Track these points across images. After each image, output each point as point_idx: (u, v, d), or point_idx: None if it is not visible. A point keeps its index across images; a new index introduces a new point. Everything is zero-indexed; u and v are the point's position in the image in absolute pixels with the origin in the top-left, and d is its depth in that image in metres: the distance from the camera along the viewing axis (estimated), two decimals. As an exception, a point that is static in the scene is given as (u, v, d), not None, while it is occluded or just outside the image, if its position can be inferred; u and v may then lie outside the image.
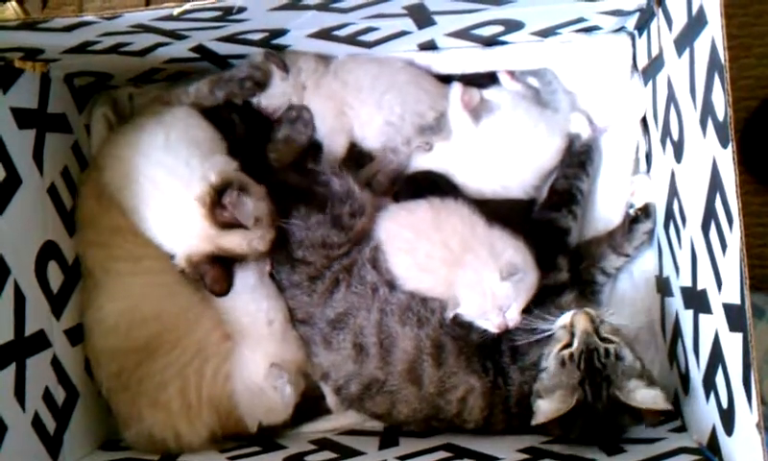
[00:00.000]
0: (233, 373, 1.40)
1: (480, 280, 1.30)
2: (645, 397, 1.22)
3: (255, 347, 1.40)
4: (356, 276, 1.39)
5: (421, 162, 1.53)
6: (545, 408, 1.23)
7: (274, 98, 1.50)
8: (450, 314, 1.32)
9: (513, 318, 1.30)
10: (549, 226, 1.44)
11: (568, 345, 1.27)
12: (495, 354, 1.35)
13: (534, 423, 1.23)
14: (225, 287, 1.38)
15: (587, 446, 1.25)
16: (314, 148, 1.51)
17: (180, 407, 1.35)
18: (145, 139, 1.38)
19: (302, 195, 1.43)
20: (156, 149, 1.36)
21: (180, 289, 1.41)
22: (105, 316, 1.37)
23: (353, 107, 1.50)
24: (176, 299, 1.41)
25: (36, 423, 1.25)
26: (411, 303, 1.36)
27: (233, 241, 1.33)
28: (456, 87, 1.51)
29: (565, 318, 1.30)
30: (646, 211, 1.44)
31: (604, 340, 1.26)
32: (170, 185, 1.33)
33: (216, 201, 1.31)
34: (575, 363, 1.24)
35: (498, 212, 1.43)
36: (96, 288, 1.38)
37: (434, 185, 1.49)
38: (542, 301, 1.35)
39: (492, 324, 1.30)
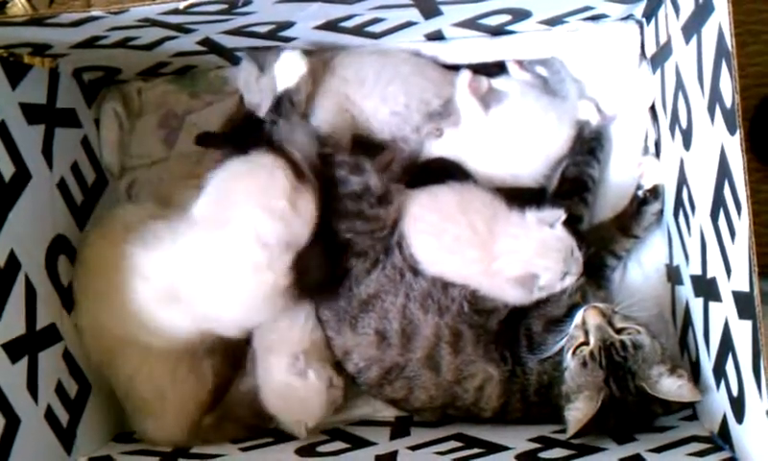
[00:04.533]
0: (261, 384, 1.38)
1: (543, 242, 1.32)
2: (670, 387, 1.21)
3: (276, 345, 1.39)
4: (390, 259, 1.39)
5: (433, 149, 1.53)
6: (575, 417, 1.22)
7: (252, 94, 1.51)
8: (540, 293, 1.33)
9: (578, 256, 1.32)
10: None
11: (585, 343, 1.27)
12: (513, 343, 1.35)
13: (567, 436, 1.23)
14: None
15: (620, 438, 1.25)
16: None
17: (150, 411, 1.37)
18: None
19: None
20: None
21: None
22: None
23: (355, 102, 1.49)
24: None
25: (50, 415, 1.26)
26: (432, 290, 1.36)
27: None
28: (464, 74, 1.50)
29: (577, 317, 1.29)
30: (655, 193, 1.44)
31: (619, 331, 1.26)
32: None
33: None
34: (596, 361, 1.24)
35: (509, 201, 1.42)
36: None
37: (448, 172, 1.48)
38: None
39: (573, 272, 1.32)
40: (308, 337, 1.40)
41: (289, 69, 1.45)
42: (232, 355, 1.43)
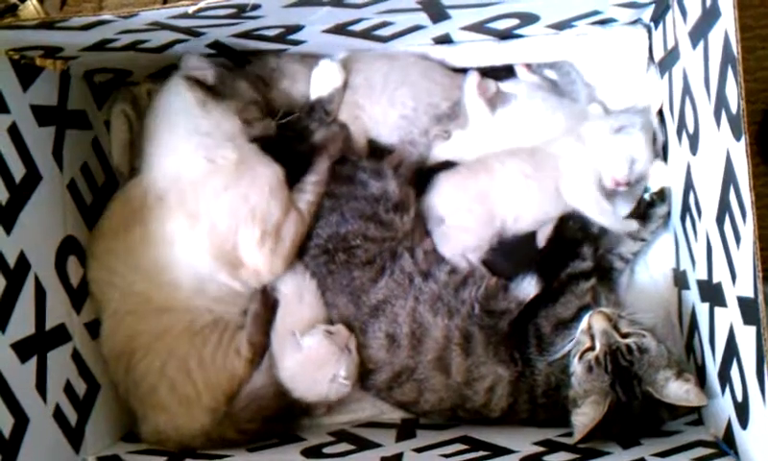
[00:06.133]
0: (286, 384, 1.38)
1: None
2: (677, 392, 1.21)
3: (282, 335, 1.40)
4: (398, 264, 1.40)
5: (441, 152, 1.54)
6: (581, 422, 1.23)
7: None
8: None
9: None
10: (573, 215, 1.44)
11: (591, 348, 1.27)
12: (523, 345, 1.36)
13: (574, 441, 1.23)
14: None
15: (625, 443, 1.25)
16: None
17: (178, 403, 1.35)
18: None
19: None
20: None
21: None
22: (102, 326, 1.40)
23: (365, 108, 1.51)
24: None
25: (58, 415, 1.27)
26: (442, 292, 1.37)
27: None
28: (472, 76, 1.51)
29: (584, 322, 1.30)
30: (662, 195, 1.44)
31: (625, 336, 1.26)
32: None
33: None
34: (602, 367, 1.24)
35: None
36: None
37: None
38: (562, 290, 1.37)
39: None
40: (306, 315, 1.41)
41: (324, 79, 1.48)
42: (265, 323, 1.43)
